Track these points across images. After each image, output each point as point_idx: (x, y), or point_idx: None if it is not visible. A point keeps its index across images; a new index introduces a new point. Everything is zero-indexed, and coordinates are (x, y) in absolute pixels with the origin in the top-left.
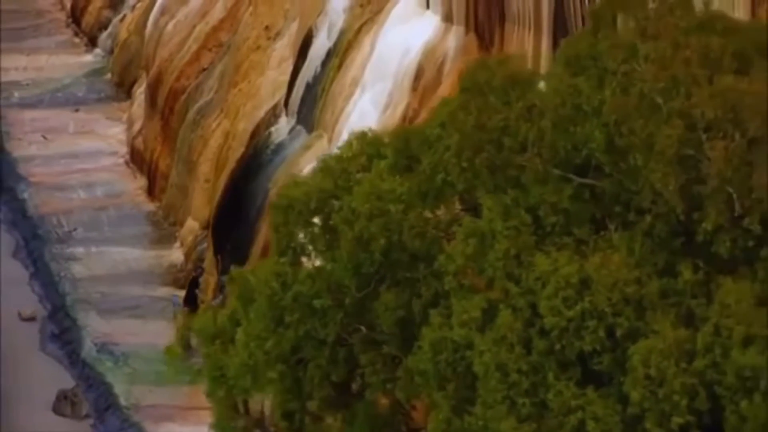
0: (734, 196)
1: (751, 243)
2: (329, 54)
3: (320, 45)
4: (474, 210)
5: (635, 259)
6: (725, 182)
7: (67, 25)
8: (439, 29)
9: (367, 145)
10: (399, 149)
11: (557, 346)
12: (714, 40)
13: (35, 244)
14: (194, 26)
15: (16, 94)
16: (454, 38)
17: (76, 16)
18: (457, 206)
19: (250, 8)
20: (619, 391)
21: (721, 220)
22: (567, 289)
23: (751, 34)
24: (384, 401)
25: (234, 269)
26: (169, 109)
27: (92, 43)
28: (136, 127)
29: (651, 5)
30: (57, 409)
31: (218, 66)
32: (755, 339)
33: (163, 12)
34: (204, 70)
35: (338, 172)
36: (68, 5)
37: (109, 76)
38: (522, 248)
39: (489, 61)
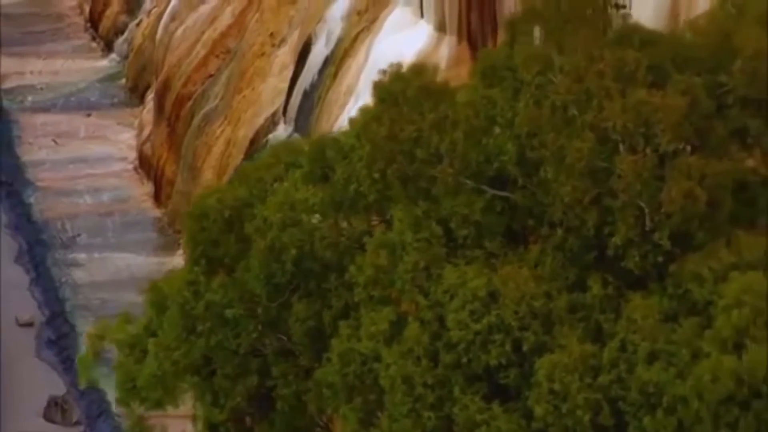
0: (645, 210)
1: (660, 258)
2: (326, 61)
3: (318, 52)
4: (388, 221)
5: (546, 272)
6: (635, 196)
7: (86, 30)
8: (432, 38)
9: (284, 153)
10: (315, 159)
11: (464, 360)
12: (629, 53)
13: (38, 249)
14: (203, 32)
15: (30, 98)
16: (446, 47)
17: (94, 21)
18: (374, 217)
19: (257, 15)
20: (525, 405)
21: (631, 234)
22: (474, 302)
23: (668, 48)
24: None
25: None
26: (176, 116)
27: (109, 47)
28: (146, 132)
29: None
30: (47, 416)
31: (224, 72)
32: (660, 355)
33: (173, 17)
34: (210, 76)
35: (254, 181)
36: (87, 10)
37: (123, 81)
38: (432, 261)
39: (404, 72)
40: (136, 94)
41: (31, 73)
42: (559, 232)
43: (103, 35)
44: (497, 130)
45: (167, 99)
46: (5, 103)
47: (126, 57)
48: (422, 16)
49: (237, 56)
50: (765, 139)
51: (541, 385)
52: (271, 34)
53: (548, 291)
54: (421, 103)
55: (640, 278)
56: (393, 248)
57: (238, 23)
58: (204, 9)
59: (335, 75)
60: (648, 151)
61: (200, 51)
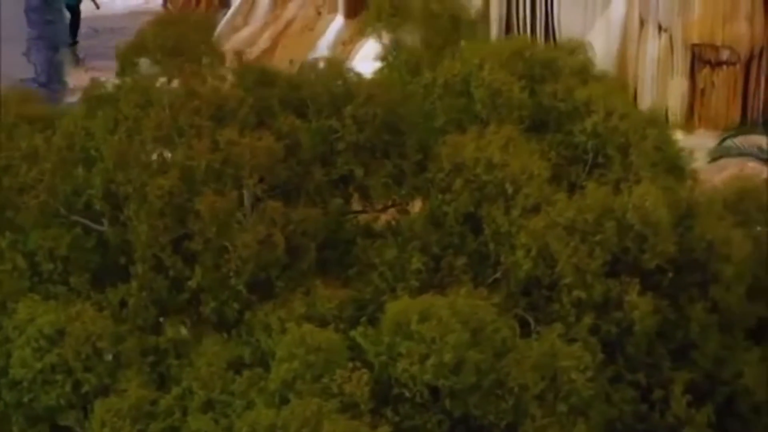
0: (229, 254)
1: (237, 305)
2: None
3: None
4: None
5: (129, 312)
6: (213, 238)
7: None
8: None
9: None
10: None
11: (25, 399)
12: (233, 91)
13: None
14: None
15: None
16: None
17: None
18: None
19: (284, 41)
20: None
21: (208, 279)
22: (40, 339)
23: (283, 89)
24: None
25: None
26: None
27: None
28: None
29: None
30: None
31: None
32: (216, 405)
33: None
34: None
35: None
36: None
37: None
38: (9, 294)
39: (7, 96)
40: None
41: None
42: (141, 271)
43: None
44: (92, 162)
45: None
46: None
47: None
48: None
49: None
50: (372, 189)
51: (94, 429)
52: (291, 62)
53: (119, 332)
54: (19, 131)
55: (221, 323)
56: None
57: (272, 48)
58: (244, 32)
59: None
60: (234, 193)
61: None
